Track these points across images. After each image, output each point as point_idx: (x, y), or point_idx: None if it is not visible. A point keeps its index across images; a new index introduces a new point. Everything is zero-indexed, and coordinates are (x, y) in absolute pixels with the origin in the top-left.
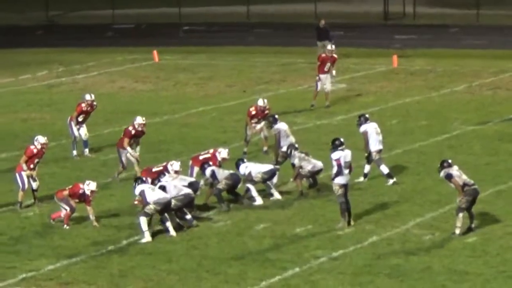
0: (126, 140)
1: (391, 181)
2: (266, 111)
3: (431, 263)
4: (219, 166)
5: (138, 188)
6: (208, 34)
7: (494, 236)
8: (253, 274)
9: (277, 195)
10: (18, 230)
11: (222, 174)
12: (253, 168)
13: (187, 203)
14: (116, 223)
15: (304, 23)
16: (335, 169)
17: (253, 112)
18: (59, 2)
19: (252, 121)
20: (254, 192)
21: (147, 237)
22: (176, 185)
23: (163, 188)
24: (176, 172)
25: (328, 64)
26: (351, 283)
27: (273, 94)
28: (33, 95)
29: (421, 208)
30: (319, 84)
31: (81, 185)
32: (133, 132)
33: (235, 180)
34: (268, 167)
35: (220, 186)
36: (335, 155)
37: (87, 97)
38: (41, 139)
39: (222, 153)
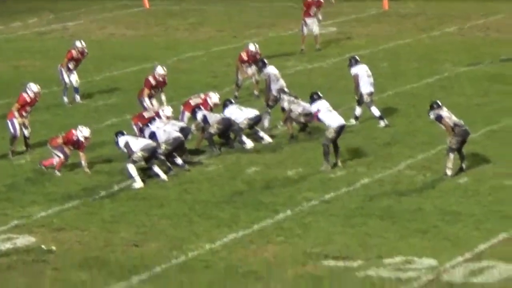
0: (146, 91)
1: (382, 123)
2: (257, 56)
3: (423, 204)
4: (211, 110)
5: (122, 141)
6: None
7: (486, 176)
8: (245, 217)
9: (268, 139)
10: (10, 178)
11: (214, 118)
12: (238, 115)
13: (178, 147)
14: (107, 169)
15: None
16: (324, 119)
17: (244, 57)
18: None
19: (243, 65)
20: (243, 136)
21: (138, 182)
22: (166, 129)
23: (153, 134)
24: (167, 117)
25: (314, 8)
26: (343, 225)
27: (263, 38)
28: (23, 42)
29: (413, 149)
30: (305, 28)
31: (74, 132)
32: (153, 82)
33: (226, 124)
34: (253, 112)
35: (212, 130)
36: (313, 108)
37: (78, 44)
38: (33, 87)
39: (213, 98)
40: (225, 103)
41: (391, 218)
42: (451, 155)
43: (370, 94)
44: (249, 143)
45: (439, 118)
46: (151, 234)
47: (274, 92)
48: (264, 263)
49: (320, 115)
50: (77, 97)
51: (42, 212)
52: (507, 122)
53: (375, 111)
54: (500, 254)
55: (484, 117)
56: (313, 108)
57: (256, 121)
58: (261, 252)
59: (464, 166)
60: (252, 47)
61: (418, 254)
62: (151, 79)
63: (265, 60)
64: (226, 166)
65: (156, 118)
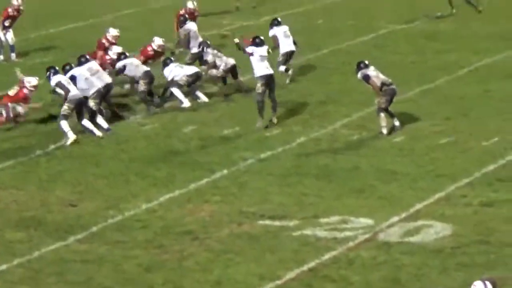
0: (99, 53)
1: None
2: (196, 13)
3: (359, 163)
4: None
5: (54, 79)
6: None
7: (421, 135)
8: (181, 177)
9: (203, 98)
10: None
11: (135, 71)
12: (178, 72)
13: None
14: (43, 128)
15: None
16: (253, 64)
17: (184, 15)
18: None
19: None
20: (180, 95)
21: (71, 137)
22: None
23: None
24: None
25: None
26: (279, 184)
27: None
28: None
29: (348, 108)
30: None
31: (24, 90)
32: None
33: (150, 77)
34: (193, 69)
35: (141, 88)
36: (249, 49)
37: (14, 2)
38: None
39: (156, 40)
40: (165, 61)
41: (327, 177)
42: (382, 114)
43: (288, 54)
44: (186, 102)
45: (366, 78)
46: (87, 193)
47: (194, 50)
48: (200, 222)
49: (252, 59)
50: (13, 55)
51: None
52: (441, 80)
53: (282, 68)
54: (436, 213)
55: (419, 75)
56: (249, 49)
57: (195, 78)
58: (197, 212)
59: (396, 124)
60: (190, 5)
61: (354, 213)
62: (149, 49)
63: (187, 16)
64: (163, 124)
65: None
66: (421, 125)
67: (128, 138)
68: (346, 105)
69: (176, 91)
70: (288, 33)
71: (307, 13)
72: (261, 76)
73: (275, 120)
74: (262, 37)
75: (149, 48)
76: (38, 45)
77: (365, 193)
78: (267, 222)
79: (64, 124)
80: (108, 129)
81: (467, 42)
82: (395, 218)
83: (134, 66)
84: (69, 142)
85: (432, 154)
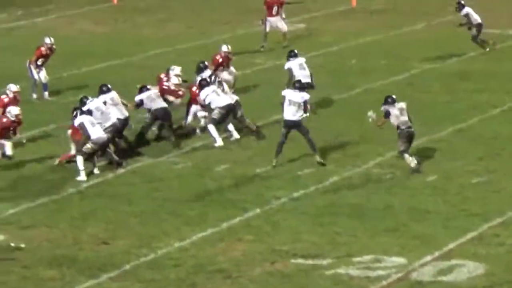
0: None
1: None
2: (230, 56)
3: (392, 202)
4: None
5: (78, 120)
6: None
7: (454, 174)
8: (214, 215)
9: (235, 134)
10: None
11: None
12: (214, 98)
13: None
14: (75, 167)
15: None
16: (284, 107)
17: (220, 60)
18: None
19: (220, 68)
20: (215, 133)
21: (82, 177)
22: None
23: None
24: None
25: (276, 7)
26: (312, 222)
27: (232, 35)
28: None
29: (381, 147)
30: (267, 24)
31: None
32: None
33: (165, 115)
34: (226, 100)
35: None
36: (284, 91)
37: (47, 40)
38: (13, 87)
39: (175, 69)
40: (201, 83)
41: (360, 217)
42: (405, 155)
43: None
44: (219, 141)
45: (387, 114)
46: (120, 232)
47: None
48: (233, 261)
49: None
50: (46, 94)
51: (11, 209)
52: (474, 120)
53: None
54: (469, 253)
55: (452, 114)
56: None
57: (228, 111)
58: (230, 250)
59: (417, 165)
60: (225, 48)
61: (387, 252)
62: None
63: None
64: (195, 163)
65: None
66: (454, 164)
67: (161, 177)
68: (379, 144)
69: (211, 128)
70: (305, 65)
71: (340, 53)
72: (286, 120)
73: (319, 159)
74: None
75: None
76: (71, 83)
77: (398, 232)
78: (300, 260)
79: (80, 161)
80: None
81: (500, 82)
82: (428, 257)
83: (151, 99)
84: (79, 179)
85: (465, 193)
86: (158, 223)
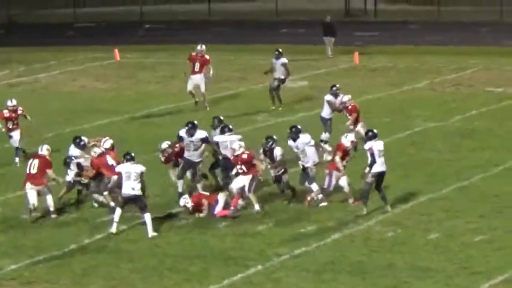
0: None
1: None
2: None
3: (393, 260)
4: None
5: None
6: (169, 32)
7: (456, 232)
8: (215, 272)
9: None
10: None
11: None
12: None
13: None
14: (77, 222)
15: (266, 20)
16: (369, 159)
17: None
18: (19, 1)
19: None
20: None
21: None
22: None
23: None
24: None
25: (198, 64)
26: (314, 280)
27: (234, 92)
28: None
29: (383, 205)
30: (189, 82)
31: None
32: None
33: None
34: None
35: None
36: (367, 145)
37: (8, 102)
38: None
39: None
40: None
41: (361, 274)
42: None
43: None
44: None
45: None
46: (121, 287)
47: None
48: None
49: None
50: (16, 159)
51: (13, 265)
52: (477, 177)
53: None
54: None
55: (455, 172)
56: (367, 145)
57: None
58: None
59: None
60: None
61: None
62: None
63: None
64: (197, 220)
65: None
66: (456, 222)
67: (162, 234)
68: (381, 202)
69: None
70: (312, 142)
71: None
72: (375, 172)
73: (389, 209)
74: (376, 131)
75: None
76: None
77: None
78: None
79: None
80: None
81: (502, 140)
82: None
83: None
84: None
85: (467, 251)
86: (159, 280)
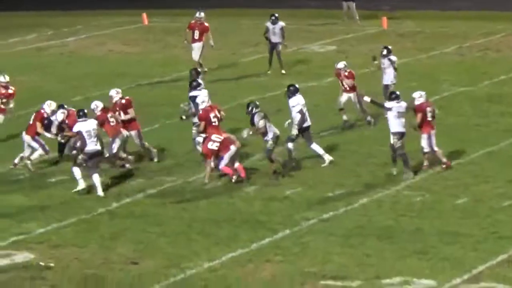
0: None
1: (326, 161)
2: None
3: (421, 225)
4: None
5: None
6: None
7: (485, 197)
8: (243, 236)
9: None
10: (8, 194)
11: None
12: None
13: None
14: (106, 187)
15: None
16: (389, 120)
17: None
18: None
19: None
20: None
21: (81, 185)
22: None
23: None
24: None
25: (197, 32)
26: (341, 244)
27: (261, 56)
28: (22, 58)
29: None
30: (193, 52)
31: None
32: None
33: None
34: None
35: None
36: (388, 104)
37: (1, 78)
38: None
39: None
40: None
41: (389, 238)
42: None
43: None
44: None
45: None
46: (149, 252)
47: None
48: (261, 282)
49: (388, 114)
50: None
51: (41, 228)
52: (505, 142)
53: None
54: (499, 276)
55: (483, 137)
56: (387, 104)
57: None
58: (259, 272)
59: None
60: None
61: (417, 274)
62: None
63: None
64: (225, 184)
65: None
66: (484, 187)
67: (190, 198)
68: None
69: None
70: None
71: (370, 75)
72: (396, 132)
73: (394, 172)
74: (398, 93)
75: None
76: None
77: (428, 255)
78: (329, 282)
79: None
80: None
81: None
82: (457, 280)
83: None
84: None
85: (495, 216)
86: (187, 244)
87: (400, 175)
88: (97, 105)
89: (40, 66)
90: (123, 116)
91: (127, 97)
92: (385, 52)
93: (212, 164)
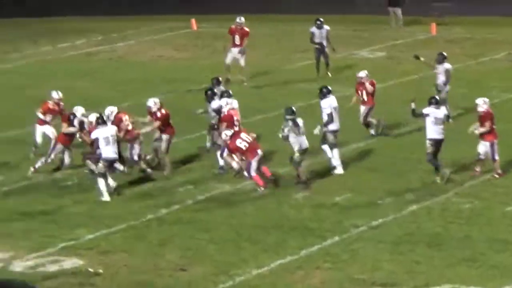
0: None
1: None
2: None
3: (470, 232)
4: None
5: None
6: (247, 2)
7: None
8: (292, 243)
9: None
10: (57, 199)
11: None
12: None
13: None
14: (154, 193)
15: None
16: (427, 125)
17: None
18: None
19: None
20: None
21: (106, 197)
22: None
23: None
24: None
25: (237, 37)
26: (390, 251)
27: (311, 62)
28: (72, 63)
29: (460, 176)
30: (228, 55)
31: None
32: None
33: None
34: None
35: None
36: (426, 110)
37: (54, 95)
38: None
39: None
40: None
41: (438, 246)
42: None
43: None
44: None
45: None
46: (197, 259)
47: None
48: None
49: (427, 120)
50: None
51: (90, 234)
52: None
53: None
54: None
55: None
56: (426, 110)
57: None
58: (308, 278)
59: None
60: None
61: (466, 282)
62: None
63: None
64: (273, 191)
65: None
66: None
67: (238, 204)
68: (458, 173)
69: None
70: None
71: (421, 81)
72: (431, 139)
73: (438, 180)
74: (438, 98)
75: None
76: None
77: (477, 262)
78: None
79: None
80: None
81: None
82: None
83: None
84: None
85: None
86: (236, 250)
87: (447, 182)
88: (112, 111)
89: (89, 72)
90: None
91: (164, 110)
92: (440, 58)
93: (235, 164)
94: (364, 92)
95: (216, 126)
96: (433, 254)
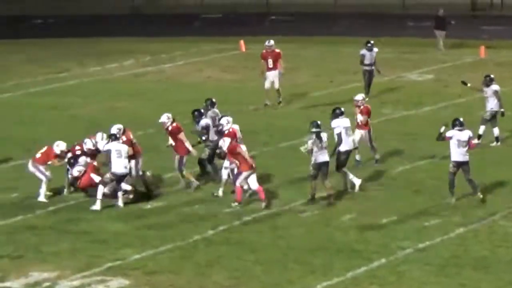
0: None
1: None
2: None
3: None
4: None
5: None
6: (295, 24)
7: None
8: (339, 265)
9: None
10: (103, 220)
11: None
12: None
13: None
14: (201, 212)
15: (390, 13)
16: (451, 147)
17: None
18: None
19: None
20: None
21: (97, 206)
22: None
23: None
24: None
25: (270, 60)
26: (437, 274)
27: (359, 84)
28: (119, 84)
29: (508, 199)
30: (266, 80)
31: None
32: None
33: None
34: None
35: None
36: (449, 132)
37: (90, 140)
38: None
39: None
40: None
41: (485, 269)
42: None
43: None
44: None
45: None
46: (244, 280)
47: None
48: None
49: (450, 142)
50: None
51: (136, 254)
52: None
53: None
54: None
55: None
56: (449, 133)
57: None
58: None
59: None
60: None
61: None
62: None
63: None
64: (321, 212)
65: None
66: None
67: (286, 225)
68: (506, 196)
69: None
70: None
71: (468, 104)
72: (454, 161)
73: (480, 196)
74: (462, 120)
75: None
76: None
77: None
78: None
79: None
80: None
81: None
82: None
83: None
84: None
85: None
86: (282, 272)
87: (493, 205)
88: (120, 128)
89: (137, 93)
90: (170, 141)
91: (175, 124)
92: (487, 80)
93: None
94: (359, 116)
95: (222, 155)
96: (479, 277)
